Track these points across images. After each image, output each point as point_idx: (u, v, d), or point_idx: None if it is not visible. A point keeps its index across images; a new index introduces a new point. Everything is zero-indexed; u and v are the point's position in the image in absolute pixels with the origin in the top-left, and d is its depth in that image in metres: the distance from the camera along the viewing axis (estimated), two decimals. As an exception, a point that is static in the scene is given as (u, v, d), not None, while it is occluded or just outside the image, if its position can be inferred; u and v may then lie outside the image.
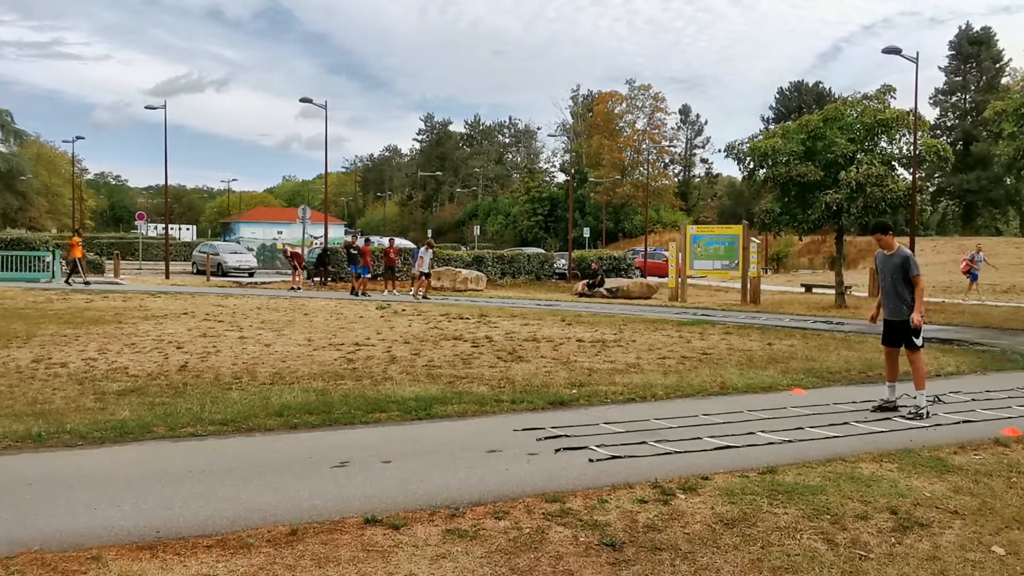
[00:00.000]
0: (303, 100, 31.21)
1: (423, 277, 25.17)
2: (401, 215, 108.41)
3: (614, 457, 6.23)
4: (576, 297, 27.16)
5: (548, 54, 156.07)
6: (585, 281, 28.91)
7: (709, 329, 16.13)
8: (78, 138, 44.41)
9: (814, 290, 30.47)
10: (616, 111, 75.78)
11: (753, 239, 25.02)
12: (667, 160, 79.10)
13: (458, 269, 30.60)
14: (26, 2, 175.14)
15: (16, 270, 30.98)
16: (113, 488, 5.36)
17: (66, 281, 28.10)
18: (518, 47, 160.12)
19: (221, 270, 37.41)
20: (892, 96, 20.99)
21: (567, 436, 6.91)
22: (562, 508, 5.01)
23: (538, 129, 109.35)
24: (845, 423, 7.61)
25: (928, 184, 44.42)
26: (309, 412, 7.87)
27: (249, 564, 4.11)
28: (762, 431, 7.19)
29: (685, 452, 6.44)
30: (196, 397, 8.70)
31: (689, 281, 27.42)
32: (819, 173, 20.50)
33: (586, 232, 57.80)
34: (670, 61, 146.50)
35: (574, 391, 9.17)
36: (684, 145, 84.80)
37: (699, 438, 6.91)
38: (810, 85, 76.97)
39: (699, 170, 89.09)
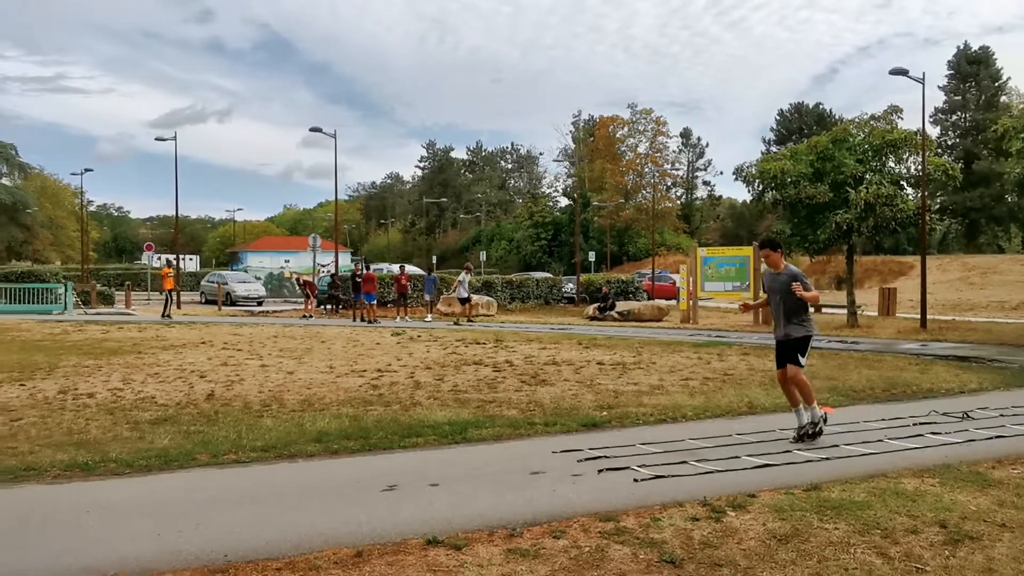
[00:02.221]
0: (313, 129, 31.52)
1: (464, 303, 24.97)
2: (404, 242, 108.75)
3: (658, 477, 6.31)
4: (587, 321, 27.25)
5: (546, 80, 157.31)
6: (596, 305, 29.01)
7: (726, 350, 16.20)
8: (87, 170, 44.42)
9: (823, 310, 30.55)
10: (618, 135, 76.30)
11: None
12: (669, 183, 79.54)
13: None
14: (31, 37, 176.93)
15: (27, 302, 31.15)
16: (170, 514, 5.44)
17: (164, 315, 26.90)
18: (516, 74, 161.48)
19: (230, 299, 37.56)
20: (899, 116, 21.26)
21: (607, 457, 6.99)
22: (617, 527, 5.09)
23: (540, 154, 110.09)
24: (879, 440, 7.69)
25: (931, 203, 44.57)
26: (347, 437, 7.95)
27: (321, 585, 4.19)
28: (798, 449, 7.28)
29: (727, 471, 6.52)
30: (230, 425, 8.78)
31: (699, 303, 27.46)
32: (828, 194, 20.68)
33: (591, 256, 58.02)
34: (667, 85, 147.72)
35: (604, 413, 9.26)
36: (686, 168, 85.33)
37: (737, 457, 6.99)
38: (810, 107, 77.53)
39: (701, 192, 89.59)
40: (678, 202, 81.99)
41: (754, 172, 21.80)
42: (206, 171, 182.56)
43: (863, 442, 7.59)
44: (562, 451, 7.27)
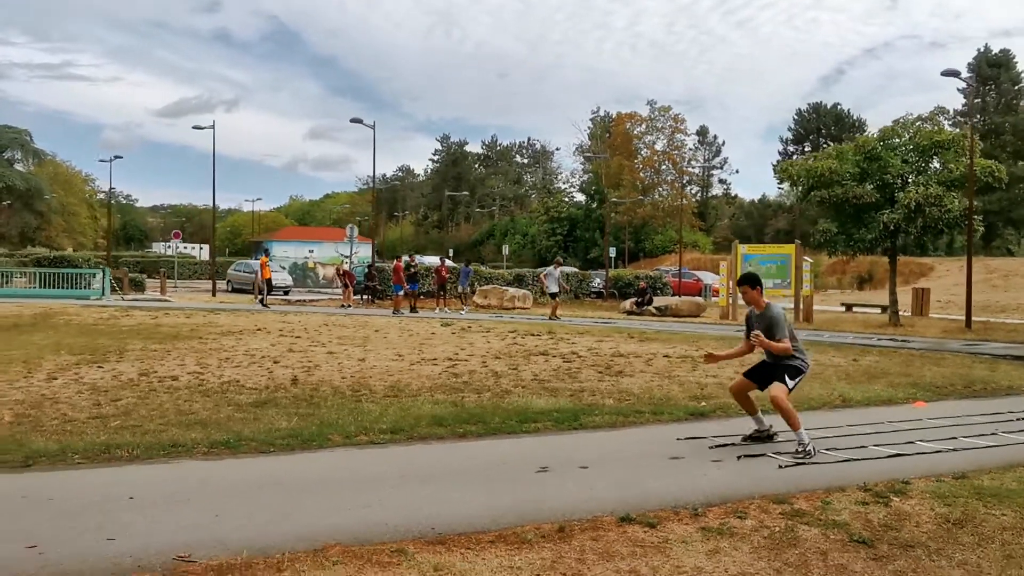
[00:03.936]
0: (354, 120, 31.51)
1: (553, 298, 24.56)
2: (416, 235, 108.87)
3: (799, 463, 6.47)
4: (625, 315, 27.38)
5: (552, 76, 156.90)
6: (633, 299, 29.17)
7: (784, 346, 16.32)
8: (116, 157, 43.97)
9: (854, 309, 30.69)
10: (635, 132, 76.40)
11: (806, 258, 25.30)
12: (685, 180, 79.63)
13: (504, 288, 30.92)
14: (39, 24, 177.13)
15: (62, 287, 31.27)
16: (346, 490, 5.61)
17: (261, 303, 27.18)
18: (523, 69, 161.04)
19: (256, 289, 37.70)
20: (946, 118, 21.34)
21: (734, 445, 7.15)
22: (792, 509, 5.25)
23: (557, 149, 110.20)
24: (993, 433, 7.84)
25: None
26: (466, 422, 8.10)
27: (541, 558, 4.35)
28: (920, 440, 7.43)
29: (862, 460, 6.68)
30: (335, 409, 8.91)
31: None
32: (875, 194, 20.80)
33: (612, 252, 58.06)
34: (672, 83, 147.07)
35: (703, 404, 9.40)
36: (702, 165, 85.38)
37: (864, 447, 7.14)
38: (828, 107, 77.52)
39: (716, 190, 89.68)
40: (694, 199, 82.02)
41: (798, 171, 21.91)
42: (210, 161, 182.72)
43: (979, 435, 7.73)
44: (687, 438, 7.43)
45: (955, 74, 20.31)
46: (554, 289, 24.49)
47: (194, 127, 32.73)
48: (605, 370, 12.35)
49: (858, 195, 20.70)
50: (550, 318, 23.21)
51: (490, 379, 11.32)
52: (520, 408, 8.94)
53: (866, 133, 22.48)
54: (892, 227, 20.62)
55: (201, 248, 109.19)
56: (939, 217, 20.09)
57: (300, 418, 8.34)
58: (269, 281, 27.85)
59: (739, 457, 6.69)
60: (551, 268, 25.57)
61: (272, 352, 14.18)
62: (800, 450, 6.77)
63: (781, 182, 22.62)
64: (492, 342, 16.43)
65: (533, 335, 18.01)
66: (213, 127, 31.65)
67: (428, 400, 9.53)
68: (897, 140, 21.61)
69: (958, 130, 21.50)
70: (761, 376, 7.24)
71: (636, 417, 8.61)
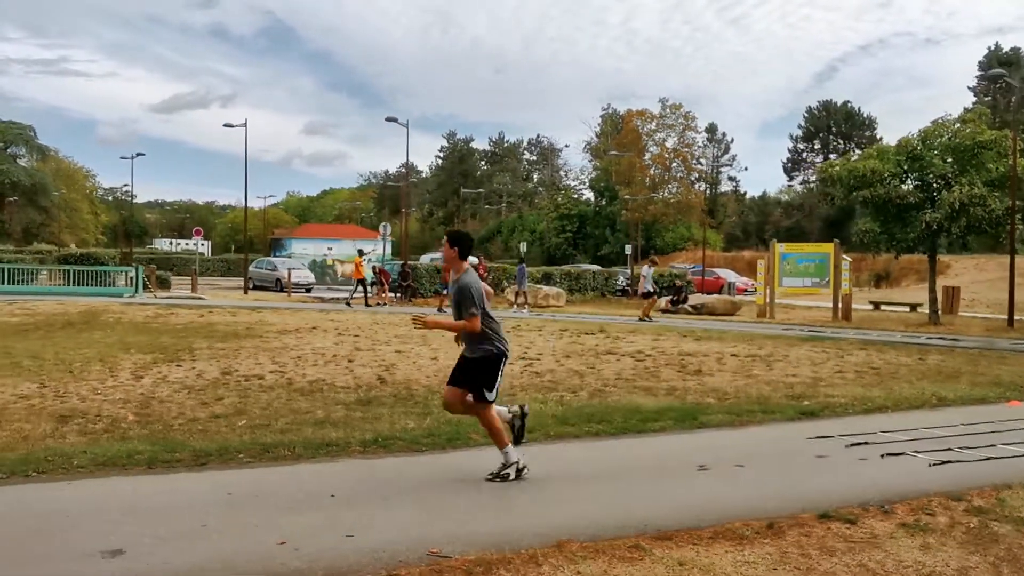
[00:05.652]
0: (389, 119, 31.66)
1: (648, 296, 24.25)
2: (422, 231, 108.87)
3: (946, 462, 6.68)
4: (660, 313, 27.55)
5: (548, 73, 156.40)
6: (668, 298, 29.37)
7: (841, 344, 16.56)
8: (139, 154, 43.88)
9: (883, 307, 30.90)
10: (644, 130, 76.45)
11: (845, 257, 25.53)
12: (695, 177, 79.80)
13: (539, 286, 31.11)
14: (34, 20, 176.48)
15: (91, 284, 31.26)
16: (534, 487, 5.80)
17: (365, 303, 27.16)
18: (518, 66, 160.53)
19: (279, 285, 37.85)
20: (985, 118, 21.57)
21: (868, 444, 7.35)
22: (973, 506, 5.45)
23: (566, 146, 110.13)
24: (1110, 433, 8.05)
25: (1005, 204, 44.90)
26: (590, 421, 8.29)
27: (767, 553, 4.55)
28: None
29: (1004, 458, 6.89)
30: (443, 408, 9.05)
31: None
32: (918, 194, 21.06)
33: (627, 249, 58.31)
34: (668, 80, 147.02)
35: (806, 403, 9.60)
36: (711, 163, 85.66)
37: (993, 445, 7.35)
38: (838, 104, 77.77)
39: (725, 187, 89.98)
40: (705, 196, 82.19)
41: (840, 171, 22.15)
42: (204, 156, 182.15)
43: (1097, 435, 7.94)
44: (816, 437, 7.63)
45: (1000, 76, 20.54)
46: (649, 288, 24.13)
47: (225, 125, 32.74)
48: (682, 369, 12.55)
49: (901, 194, 20.94)
50: (640, 319, 22.83)
51: (575, 378, 11.51)
52: (631, 407, 9.13)
53: (909, 134, 22.50)
54: (934, 226, 20.87)
55: (202, 244, 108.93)
56: (983, 217, 20.33)
57: (423, 417, 8.47)
58: (362, 281, 27.88)
59: (883, 455, 6.89)
60: (645, 267, 25.30)
61: (340, 351, 14.32)
62: (499, 471, 5.96)
63: (824, 184, 22.74)
64: (551, 341, 16.59)
65: (587, 334, 18.19)
66: (245, 125, 31.76)
67: (530, 399, 9.68)
68: (938, 140, 21.84)
69: (1001, 131, 21.61)
70: (465, 375, 6.05)
71: (749, 416, 8.81)
